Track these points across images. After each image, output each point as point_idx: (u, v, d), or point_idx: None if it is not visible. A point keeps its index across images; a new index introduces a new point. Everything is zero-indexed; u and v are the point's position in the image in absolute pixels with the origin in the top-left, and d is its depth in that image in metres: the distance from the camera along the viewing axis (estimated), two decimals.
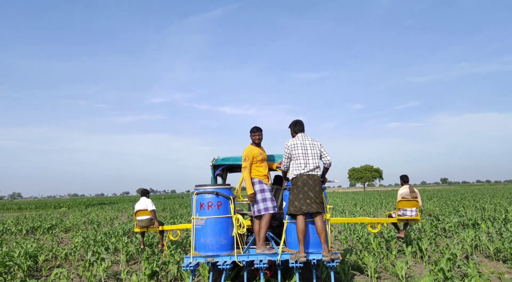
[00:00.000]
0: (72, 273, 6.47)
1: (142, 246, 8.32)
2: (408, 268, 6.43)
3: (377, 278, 6.20)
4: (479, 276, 5.04)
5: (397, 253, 7.33)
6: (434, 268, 5.82)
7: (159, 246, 8.20)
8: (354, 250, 7.60)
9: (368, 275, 6.39)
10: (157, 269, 6.19)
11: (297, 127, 5.28)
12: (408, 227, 11.63)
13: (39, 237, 13.40)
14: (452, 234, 10.40)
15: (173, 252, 7.65)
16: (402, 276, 5.86)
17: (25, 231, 14.62)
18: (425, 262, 7.22)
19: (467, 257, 7.58)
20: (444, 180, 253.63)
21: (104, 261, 6.88)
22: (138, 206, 7.96)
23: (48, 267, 7.67)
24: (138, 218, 7.72)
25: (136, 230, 7.67)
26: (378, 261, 6.91)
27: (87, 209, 35.21)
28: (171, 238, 7.95)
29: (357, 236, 9.21)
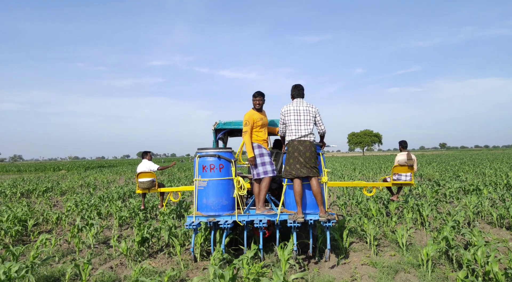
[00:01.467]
0: (60, 239, 6.23)
1: (142, 207, 8.52)
2: (409, 235, 6.19)
3: (376, 245, 5.96)
4: (485, 245, 4.77)
5: (397, 219, 7.08)
6: (437, 236, 5.56)
7: (159, 206, 8.39)
8: (353, 216, 7.36)
9: (367, 242, 6.15)
10: (148, 235, 5.94)
11: (295, 91, 5.36)
12: (408, 192, 11.45)
13: (33, 200, 13.24)
14: (453, 199, 10.18)
15: (165, 217, 7.40)
16: (402, 243, 5.61)
17: (19, 194, 14.44)
18: (426, 229, 6.98)
19: (469, 224, 7.35)
20: (442, 145, 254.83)
21: (94, 227, 6.63)
22: (140, 168, 7.97)
23: (37, 232, 7.45)
24: (140, 180, 7.71)
25: (138, 191, 7.72)
26: (378, 228, 6.67)
27: (86, 172, 35.19)
28: (172, 199, 8.04)
29: (356, 202, 8.96)
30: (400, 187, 7.91)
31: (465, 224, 7.33)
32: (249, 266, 4.33)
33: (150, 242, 6.38)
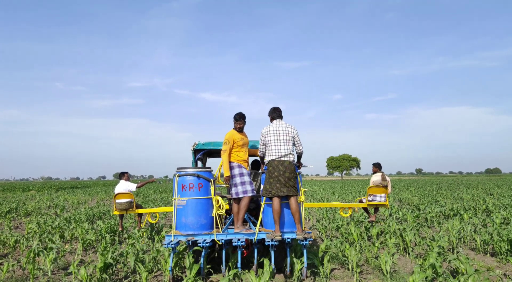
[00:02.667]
0: (13, 265, 5.60)
1: (120, 229, 8.33)
2: (392, 262, 5.86)
3: (359, 272, 5.60)
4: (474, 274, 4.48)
5: (380, 244, 6.76)
6: (423, 263, 5.25)
7: (137, 228, 8.20)
8: (333, 240, 7.01)
9: (349, 269, 5.79)
10: (112, 261, 5.40)
11: (274, 113, 5.51)
12: (388, 216, 11.23)
13: None
14: (434, 224, 9.99)
15: (133, 241, 6.87)
16: (387, 270, 5.27)
17: None
18: (410, 255, 6.69)
19: (452, 250, 7.10)
20: (419, 171, 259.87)
21: (53, 251, 6.03)
22: (118, 189, 7.84)
23: None
24: (118, 201, 7.59)
25: (115, 212, 7.58)
26: (360, 253, 6.32)
27: (57, 193, 33.78)
28: (150, 221, 7.93)
29: (336, 226, 8.63)
30: (376, 208, 8.05)
31: (449, 250, 7.08)
32: None
33: (115, 269, 5.82)
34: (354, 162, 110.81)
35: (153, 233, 8.37)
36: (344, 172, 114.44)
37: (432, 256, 5.17)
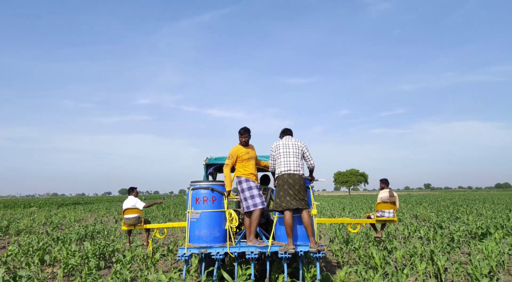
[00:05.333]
0: None
1: (128, 244, 8.31)
2: None
3: None
4: None
5: (409, 272, 5.73)
6: None
7: (145, 243, 8.33)
8: (353, 267, 6.01)
9: None
10: None
11: (284, 133, 5.65)
12: (408, 234, 10.17)
13: None
14: (461, 244, 8.90)
15: (120, 267, 5.91)
16: None
17: None
18: None
19: (491, 276, 6.04)
20: (427, 186, 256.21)
21: (22, 280, 5.10)
22: (126, 204, 7.86)
23: None
24: (126, 216, 7.65)
25: (124, 228, 7.65)
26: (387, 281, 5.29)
27: (59, 209, 32.90)
28: (158, 236, 7.98)
29: (353, 247, 7.60)
30: (383, 224, 8.07)
31: (486, 276, 6.03)
32: None
33: None
34: (362, 177, 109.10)
35: (148, 254, 7.40)
36: (352, 187, 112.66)
37: None
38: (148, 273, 6.71)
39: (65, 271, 6.51)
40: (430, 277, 6.13)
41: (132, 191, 8.26)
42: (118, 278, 5.19)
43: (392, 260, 7.16)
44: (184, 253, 5.14)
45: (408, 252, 7.05)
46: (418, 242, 7.49)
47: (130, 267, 6.82)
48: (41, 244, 8.51)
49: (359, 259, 7.35)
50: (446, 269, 6.48)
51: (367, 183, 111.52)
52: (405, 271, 5.51)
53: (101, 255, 7.96)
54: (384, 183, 8.36)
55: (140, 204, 7.91)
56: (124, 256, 7.23)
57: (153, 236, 8.31)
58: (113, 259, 7.59)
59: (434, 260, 6.21)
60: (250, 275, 5.12)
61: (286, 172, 5.20)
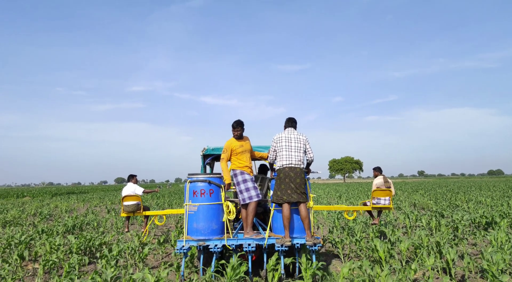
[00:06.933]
0: None
1: (126, 230, 8.46)
2: None
3: None
4: None
5: (417, 267, 5.30)
6: None
7: (142, 229, 8.32)
8: (356, 262, 5.58)
9: None
10: None
11: (288, 123, 5.62)
12: (409, 224, 9.83)
13: None
14: (465, 235, 8.52)
15: (103, 263, 5.44)
16: None
17: None
18: (453, 278, 5.27)
19: (502, 271, 5.65)
20: (421, 173, 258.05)
21: None
22: (126, 191, 7.98)
23: None
24: (125, 203, 7.77)
25: (123, 214, 7.86)
26: (395, 280, 4.86)
27: (52, 199, 32.35)
28: (157, 223, 8.09)
29: (355, 239, 7.18)
30: (380, 211, 8.09)
31: (502, 271, 5.63)
32: None
33: None
34: (357, 165, 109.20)
35: (141, 240, 6.94)
36: (347, 174, 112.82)
37: None
38: (136, 270, 6.26)
39: (46, 268, 6.04)
40: (438, 271, 5.72)
41: (131, 178, 8.41)
42: (99, 277, 4.72)
43: (397, 253, 6.75)
44: (183, 246, 5.20)
45: (413, 244, 6.66)
46: (422, 233, 7.08)
47: (116, 262, 6.36)
48: (23, 237, 8.00)
49: (360, 251, 6.94)
50: (453, 261, 6.08)
51: (362, 171, 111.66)
52: (413, 266, 5.09)
53: (87, 249, 7.49)
54: (377, 170, 8.55)
55: (139, 190, 8.03)
56: (111, 251, 6.76)
57: (151, 222, 8.63)
58: (98, 254, 7.13)
59: (443, 253, 5.80)
60: (247, 268, 5.16)
61: (287, 165, 5.25)
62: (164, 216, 8.30)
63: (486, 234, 7.53)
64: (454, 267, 5.50)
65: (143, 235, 8.21)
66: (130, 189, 7.98)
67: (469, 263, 5.35)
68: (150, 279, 4.50)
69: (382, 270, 4.74)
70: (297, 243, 5.22)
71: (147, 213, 7.80)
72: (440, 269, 5.75)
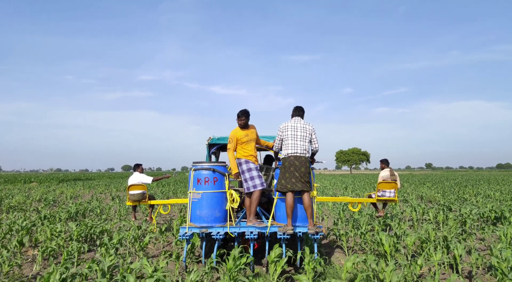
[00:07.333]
0: None
1: (133, 219, 8.47)
2: None
3: None
4: None
5: (424, 263, 5.12)
6: None
7: (148, 218, 8.41)
8: (360, 256, 5.42)
9: None
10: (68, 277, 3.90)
11: (295, 112, 5.60)
12: (416, 217, 9.64)
13: None
14: (473, 230, 8.31)
15: (103, 251, 5.33)
16: None
17: None
18: (461, 275, 5.09)
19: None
20: (428, 165, 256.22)
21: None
22: (132, 180, 7.97)
23: None
24: (131, 192, 7.77)
25: (128, 203, 7.89)
26: (403, 279, 4.69)
27: (58, 185, 32.60)
28: (162, 212, 8.09)
29: (360, 232, 7.01)
30: (385, 203, 8.08)
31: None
32: None
33: None
34: (364, 156, 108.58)
35: (151, 229, 6.86)
36: (353, 166, 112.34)
37: None
38: (136, 259, 6.17)
39: (45, 254, 5.97)
40: (445, 267, 5.54)
41: (137, 167, 8.38)
42: (97, 265, 4.62)
43: (403, 247, 6.57)
44: (186, 232, 5.26)
45: (419, 238, 6.47)
46: (429, 227, 6.89)
47: (116, 251, 6.27)
48: (25, 223, 7.96)
49: (365, 244, 6.78)
50: (461, 257, 5.90)
51: (369, 162, 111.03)
52: (419, 262, 4.92)
53: (88, 237, 7.42)
54: (384, 163, 8.57)
55: (148, 179, 8.02)
56: (111, 239, 6.68)
57: (157, 212, 8.57)
58: (99, 242, 7.06)
59: (450, 248, 5.62)
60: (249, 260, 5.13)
61: (293, 154, 5.25)
62: (169, 205, 8.32)
63: (495, 229, 7.33)
64: (461, 263, 5.32)
65: (151, 227, 8.32)
66: (136, 178, 7.98)
67: (477, 259, 5.16)
68: (148, 268, 4.38)
69: (387, 265, 4.56)
70: (299, 232, 5.24)
71: (153, 202, 7.86)
72: (447, 264, 5.57)
